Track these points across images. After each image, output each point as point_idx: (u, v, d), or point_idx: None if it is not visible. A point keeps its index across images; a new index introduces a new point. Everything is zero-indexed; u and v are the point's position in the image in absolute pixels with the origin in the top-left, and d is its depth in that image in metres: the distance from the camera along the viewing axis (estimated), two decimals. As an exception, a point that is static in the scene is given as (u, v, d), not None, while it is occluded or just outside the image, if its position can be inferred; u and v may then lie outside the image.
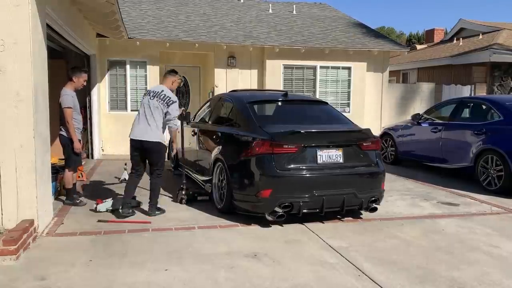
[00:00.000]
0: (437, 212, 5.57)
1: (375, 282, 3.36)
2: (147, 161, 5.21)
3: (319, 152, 4.82)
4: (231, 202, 4.99)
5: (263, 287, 3.24)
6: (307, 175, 4.73)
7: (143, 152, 5.10)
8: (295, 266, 3.65)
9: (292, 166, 4.71)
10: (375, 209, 5.11)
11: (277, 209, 4.62)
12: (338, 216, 5.21)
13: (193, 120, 7.10)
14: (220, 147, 5.38)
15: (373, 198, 4.99)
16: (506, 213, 5.59)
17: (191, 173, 6.61)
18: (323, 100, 6.78)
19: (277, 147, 4.67)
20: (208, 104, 7.11)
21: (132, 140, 5.10)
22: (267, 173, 4.63)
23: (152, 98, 5.10)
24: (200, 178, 6.20)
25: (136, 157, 5.15)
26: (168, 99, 5.09)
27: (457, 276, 3.50)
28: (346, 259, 3.82)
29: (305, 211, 4.74)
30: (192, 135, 6.65)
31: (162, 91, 5.15)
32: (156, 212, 5.11)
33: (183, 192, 5.64)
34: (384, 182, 5.23)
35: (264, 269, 3.57)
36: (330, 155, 4.87)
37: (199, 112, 7.28)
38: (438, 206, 5.88)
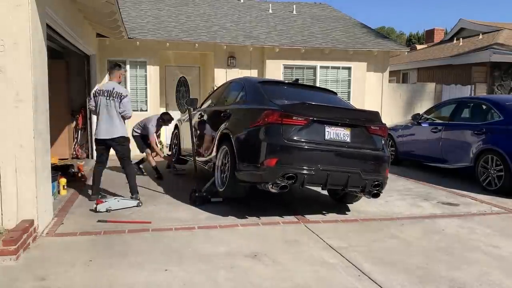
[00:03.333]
0: (437, 212, 5.57)
1: (375, 282, 3.35)
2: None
3: (327, 129, 4.87)
4: (233, 183, 5.03)
5: (263, 287, 3.24)
6: (314, 149, 4.77)
7: (109, 148, 5.69)
8: (295, 266, 3.65)
9: (299, 138, 4.75)
10: (377, 195, 5.09)
11: (280, 180, 4.62)
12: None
13: (200, 108, 7.16)
14: (228, 122, 5.44)
15: (376, 182, 4.98)
16: (506, 213, 5.59)
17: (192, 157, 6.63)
18: (333, 90, 6.81)
19: (286, 118, 4.72)
20: (217, 89, 7.15)
21: (99, 140, 5.60)
22: (275, 142, 4.66)
23: (108, 98, 5.48)
24: (203, 159, 6.23)
25: (102, 150, 5.72)
26: (120, 95, 5.51)
27: (457, 276, 3.50)
28: (346, 259, 3.82)
29: (308, 184, 4.76)
30: (198, 118, 6.67)
31: (113, 88, 5.53)
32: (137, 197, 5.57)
33: (196, 194, 5.63)
34: (388, 170, 5.22)
35: (264, 269, 3.56)
36: (337, 133, 4.91)
37: (206, 101, 7.32)
38: (438, 206, 5.88)
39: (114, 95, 5.47)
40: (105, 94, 5.48)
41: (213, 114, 6.31)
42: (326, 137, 4.86)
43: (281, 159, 4.63)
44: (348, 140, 4.95)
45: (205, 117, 6.57)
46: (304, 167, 4.68)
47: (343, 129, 4.94)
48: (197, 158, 6.40)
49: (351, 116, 5.08)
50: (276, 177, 4.62)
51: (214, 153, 5.71)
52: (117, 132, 5.53)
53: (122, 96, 5.50)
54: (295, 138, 4.74)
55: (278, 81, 6.29)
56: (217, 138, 5.61)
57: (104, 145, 5.63)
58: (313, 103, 5.02)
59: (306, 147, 4.75)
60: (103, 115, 5.49)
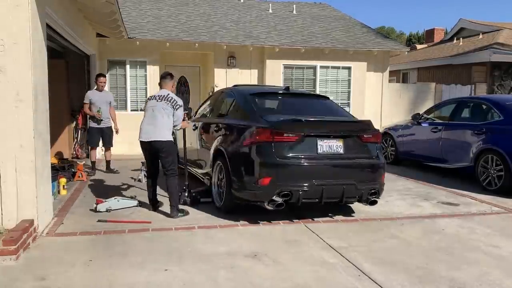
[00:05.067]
0: (437, 212, 5.57)
1: (375, 282, 3.35)
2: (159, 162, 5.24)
3: (319, 142, 4.83)
4: (230, 200, 4.99)
5: (263, 287, 3.24)
6: (307, 164, 4.74)
7: (153, 153, 5.15)
8: (295, 266, 3.65)
9: (292, 154, 4.73)
10: (374, 202, 5.09)
11: (276, 197, 4.61)
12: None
13: (195, 116, 7.14)
14: (221, 138, 5.40)
15: (373, 190, 4.98)
16: (506, 213, 5.59)
17: (190, 168, 6.61)
18: (325, 95, 6.80)
19: (277, 135, 4.69)
20: (209, 99, 7.14)
21: (141, 142, 5.15)
22: (267, 161, 4.64)
23: (159, 100, 5.09)
24: (200, 171, 6.22)
25: (147, 157, 5.28)
26: (175, 102, 5.09)
27: (457, 276, 3.50)
28: (346, 259, 3.82)
29: (304, 200, 4.74)
30: (193, 129, 6.66)
31: (168, 94, 5.16)
32: (179, 214, 5.03)
33: (186, 194, 5.61)
34: (384, 176, 5.22)
35: (264, 269, 3.56)
36: (330, 146, 4.88)
37: (200, 108, 7.30)
38: (438, 206, 5.88)
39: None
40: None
41: (206, 127, 6.25)
42: (319, 151, 4.83)
43: (275, 177, 4.61)
44: (341, 151, 4.91)
45: (198, 130, 6.52)
46: (299, 184, 4.66)
47: (335, 141, 4.91)
48: (195, 170, 6.40)
49: (343, 128, 5.06)
50: (271, 195, 4.61)
51: (209, 168, 5.69)
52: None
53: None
54: (287, 155, 4.71)
55: (267, 91, 6.21)
56: (211, 154, 5.56)
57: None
58: (304, 117, 4.95)
59: (299, 163, 4.72)
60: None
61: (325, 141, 4.86)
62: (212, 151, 5.54)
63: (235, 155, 4.98)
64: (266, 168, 4.63)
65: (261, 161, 4.65)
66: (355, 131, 5.08)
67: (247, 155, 4.78)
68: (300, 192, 4.65)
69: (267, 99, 5.97)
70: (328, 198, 4.83)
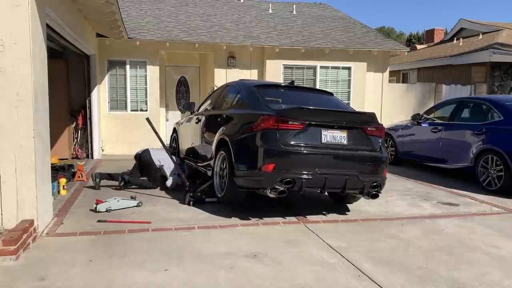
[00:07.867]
0: (437, 212, 5.57)
1: (375, 282, 3.35)
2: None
3: (323, 132, 4.87)
4: (232, 189, 5.01)
5: (263, 287, 3.24)
6: (311, 153, 4.77)
7: None
8: (295, 266, 3.65)
9: (296, 142, 4.75)
10: (376, 196, 5.10)
11: (278, 185, 4.63)
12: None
13: (198, 111, 7.17)
14: (225, 127, 5.42)
15: (375, 183, 4.99)
16: (506, 213, 5.59)
17: (193, 163, 6.62)
18: (329, 91, 6.81)
19: (282, 122, 4.72)
20: (213, 94, 7.17)
21: None
22: (271, 147, 4.66)
23: None
24: (202, 164, 6.24)
25: None
26: None
27: (457, 276, 3.50)
28: (346, 259, 3.82)
29: (306, 189, 4.76)
30: (196, 122, 6.68)
31: None
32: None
33: (191, 194, 5.61)
34: (386, 170, 5.24)
35: (264, 269, 3.56)
36: (334, 136, 4.91)
37: (204, 104, 7.32)
38: (438, 206, 5.88)
39: None
40: None
41: (210, 119, 6.29)
42: (323, 140, 4.86)
43: (278, 164, 4.63)
44: (345, 142, 4.95)
45: (202, 122, 6.55)
46: (302, 172, 4.68)
47: (339, 131, 4.94)
48: (198, 164, 6.41)
49: (347, 118, 5.08)
50: (274, 182, 4.62)
51: (212, 159, 5.71)
52: None
53: None
54: (291, 142, 4.73)
55: (273, 84, 6.30)
56: (214, 143, 5.59)
57: None
58: (309, 107, 5.02)
59: (303, 151, 4.75)
60: None
61: (329, 131, 4.89)
62: (215, 141, 5.56)
63: (239, 142, 4.99)
64: (270, 155, 4.65)
65: (265, 148, 4.66)
66: (359, 122, 5.10)
67: (251, 142, 4.79)
68: (303, 180, 4.67)
69: (272, 91, 5.97)
70: (330, 187, 4.86)
